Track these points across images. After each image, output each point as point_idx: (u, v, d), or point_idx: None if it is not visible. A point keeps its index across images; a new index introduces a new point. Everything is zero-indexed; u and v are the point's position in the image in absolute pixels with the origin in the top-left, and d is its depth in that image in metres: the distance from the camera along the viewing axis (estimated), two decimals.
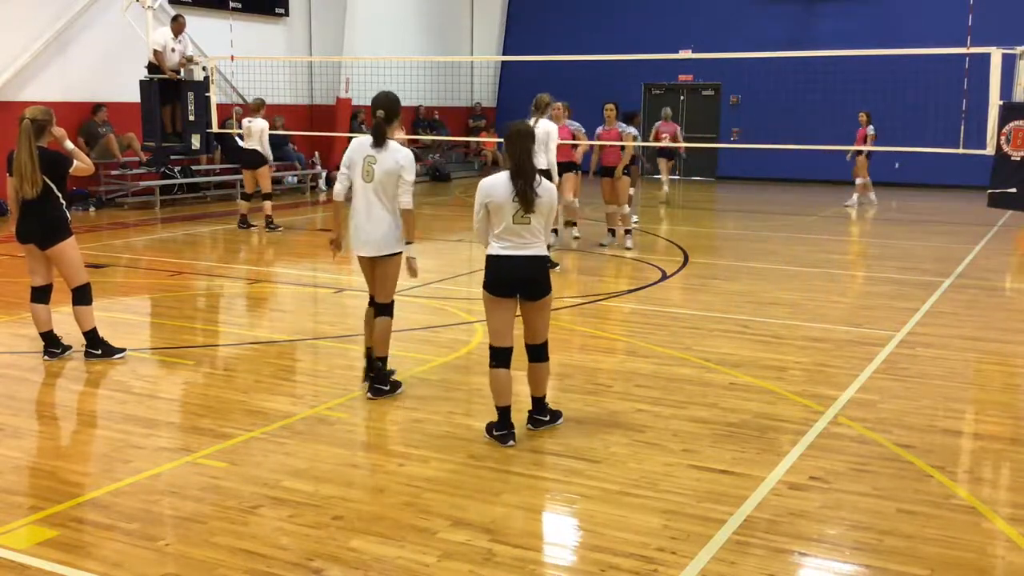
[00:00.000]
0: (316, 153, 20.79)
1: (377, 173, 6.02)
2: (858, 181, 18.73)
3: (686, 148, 19.90)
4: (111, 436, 5.65)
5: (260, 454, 5.28)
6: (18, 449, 5.34)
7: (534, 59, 19.48)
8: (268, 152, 14.34)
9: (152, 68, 15.14)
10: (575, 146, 12.77)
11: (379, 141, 6.03)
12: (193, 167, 18.08)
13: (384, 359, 6.33)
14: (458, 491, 4.79)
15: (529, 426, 5.65)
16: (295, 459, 5.24)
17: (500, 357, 5.45)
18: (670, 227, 15.09)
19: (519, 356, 5.60)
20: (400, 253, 6.18)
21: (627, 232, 12.88)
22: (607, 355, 7.59)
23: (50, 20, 15.72)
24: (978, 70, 12.26)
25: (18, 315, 8.53)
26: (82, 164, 7.06)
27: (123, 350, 7.25)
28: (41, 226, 6.88)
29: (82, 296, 7.08)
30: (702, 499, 4.71)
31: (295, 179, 20.29)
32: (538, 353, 5.57)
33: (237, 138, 15.04)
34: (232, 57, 16.83)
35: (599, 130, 12.68)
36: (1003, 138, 10.70)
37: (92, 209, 16.04)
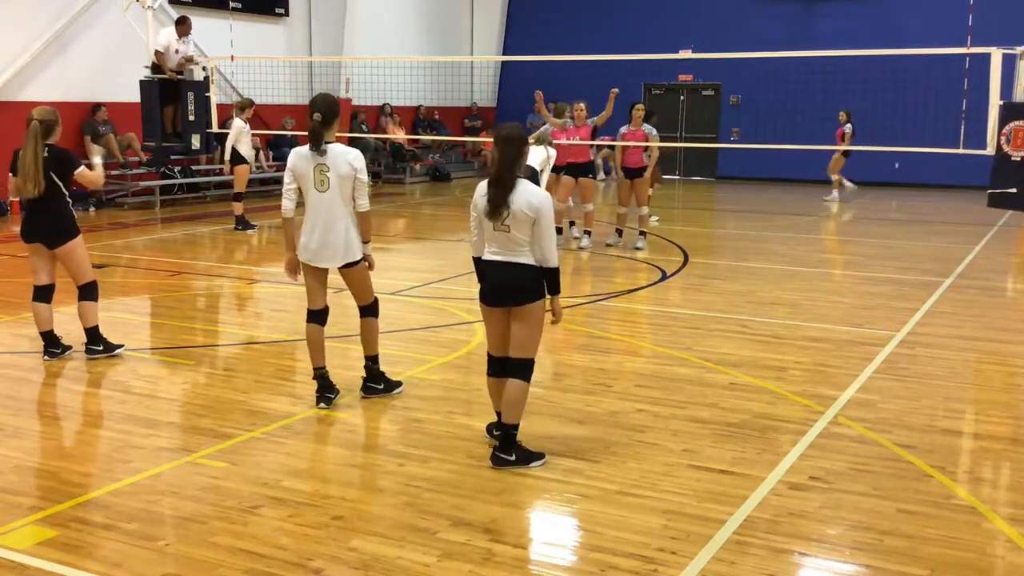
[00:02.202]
0: None
1: (333, 180, 5.82)
2: (833, 177, 18.96)
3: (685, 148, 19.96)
4: (111, 436, 5.65)
5: (260, 454, 5.28)
6: (18, 449, 5.34)
7: (534, 59, 19.49)
8: (246, 152, 14.38)
9: (154, 68, 15.14)
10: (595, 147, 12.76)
11: (317, 146, 5.79)
12: (193, 167, 18.08)
13: (375, 358, 6.30)
14: (458, 491, 4.79)
15: (490, 463, 5.13)
16: (295, 459, 5.24)
17: (493, 366, 5.34)
18: (670, 227, 15.09)
19: None
20: (364, 257, 6.06)
21: (642, 234, 12.86)
22: (607, 355, 7.59)
23: (50, 20, 15.71)
24: (978, 70, 12.26)
25: (18, 315, 8.53)
26: (90, 174, 7.15)
27: (121, 345, 7.32)
28: (51, 225, 6.92)
29: (88, 293, 7.13)
30: (702, 499, 4.71)
31: None
32: (513, 367, 5.12)
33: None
34: (232, 57, 16.83)
35: (623, 130, 12.58)
36: (1003, 138, 10.70)
37: (92, 209, 16.03)
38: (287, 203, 6.03)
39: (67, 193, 6.95)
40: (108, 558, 4.06)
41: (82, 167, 7.08)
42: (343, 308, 7.27)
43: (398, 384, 6.42)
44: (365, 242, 6.09)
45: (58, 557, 4.05)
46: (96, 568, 3.97)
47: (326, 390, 6.13)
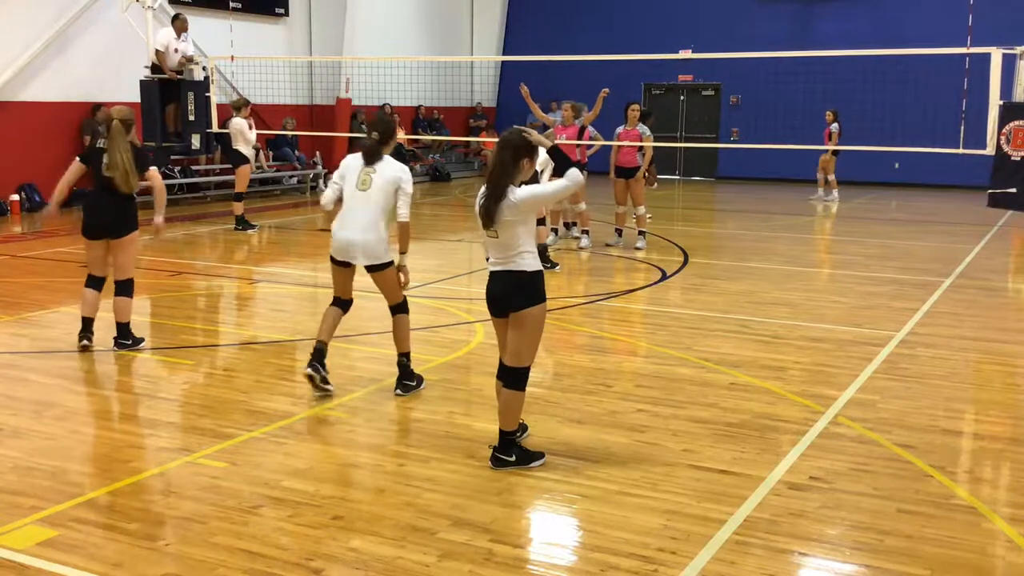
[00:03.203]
0: (317, 153, 20.79)
1: (376, 181, 6.04)
2: (829, 178, 19.03)
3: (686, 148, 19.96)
4: (111, 436, 5.65)
5: (260, 454, 5.28)
6: (18, 449, 5.34)
7: (534, 59, 19.49)
8: (247, 151, 14.46)
9: (154, 68, 15.14)
10: (588, 147, 12.76)
11: (371, 162, 6.09)
12: (193, 167, 18.09)
13: (407, 354, 6.36)
14: (458, 491, 4.79)
15: (490, 464, 5.12)
16: (295, 459, 5.24)
17: (499, 369, 5.29)
18: (670, 227, 15.09)
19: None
20: (392, 262, 6.17)
21: (641, 233, 12.86)
22: (607, 355, 7.59)
23: (50, 20, 15.71)
24: (978, 70, 12.26)
25: (18, 315, 8.54)
26: (157, 179, 7.43)
27: (143, 339, 7.53)
28: (121, 215, 7.20)
29: (126, 289, 7.38)
30: (702, 499, 4.71)
31: (295, 179, 20.29)
32: (508, 377, 5.08)
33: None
34: (232, 57, 16.83)
35: (619, 130, 12.61)
36: (1003, 138, 10.70)
37: None
38: (329, 193, 6.25)
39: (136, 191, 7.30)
40: (108, 558, 4.06)
41: (153, 168, 7.39)
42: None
43: (422, 379, 6.49)
44: (402, 252, 6.23)
45: (58, 557, 4.05)
46: (96, 568, 3.97)
47: (318, 359, 6.18)
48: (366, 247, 6.05)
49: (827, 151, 18.63)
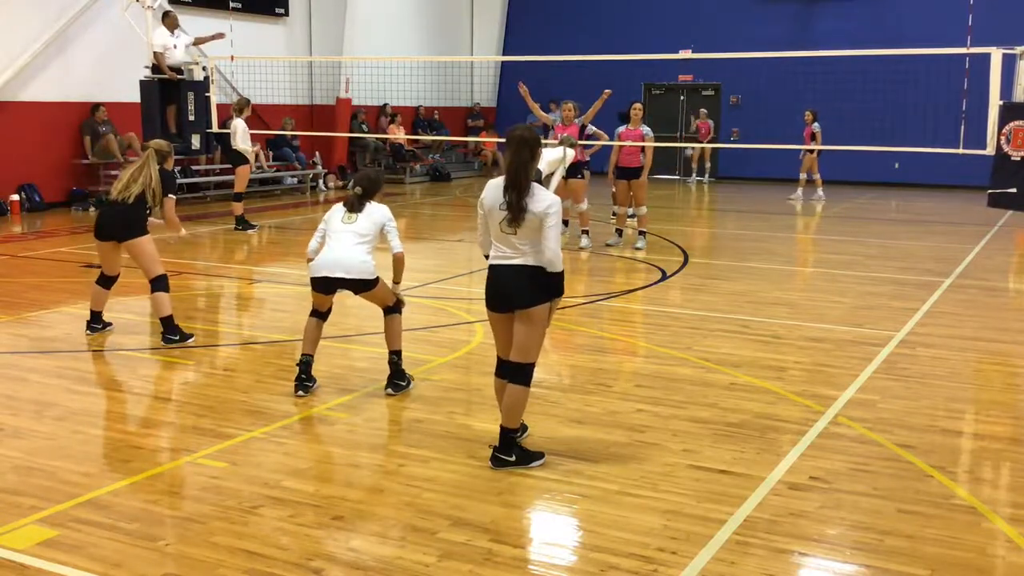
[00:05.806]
0: (317, 153, 20.79)
1: (361, 218, 6.19)
2: (803, 176, 19.15)
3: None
4: (111, 436, 5.65)
5: (260, 454, 5.28)
6: (18, 449, 5.34)
7: (534, 59, 19.49)
8: (246, 152, 14.47)
9: (154, 68, 15.14)
10: (589, 146, 12.77)
11: (355, 211, 6.23)
12: (193, 167, 18.09)
13: (398, 353, 6.39)
14: (458, 491, 4.79)
15: (490, 464, 5.11)
16: (295, 459, 5.24)
17: (501, 368, 5.27)
18: (670, 227, 15.09)
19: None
20: (378, 278, 6.22)
21: (642, 233, 12.85)
22: (607, 355, 7.59)
23: (50, 20, 15.71)
24: (978, 70, 12.26)
25: (18, 315, 8.54)
26: (168, 210, 7.93)
27: (192, 335, 7.70)
28: (125, 222, 7.52)
29: (157, 285, 7.62)
30: (702, 499, 4.71)
31: (295, 179, 20.29)
32: (512, 372, 5.08)
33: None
34: (232, 57, 16.81)
35: (621, 129, 12.58)
36: (1003, 138, 10.69)
37: (92, 209, 16.01)
38: (313, 244, 6.35)
39: (150, 206, 7.67)
40: (108, 558, 4.06)
41: (171, 197, 7.88)
42: (344, 308, 7.29)
43: (411, 379, 6.51)
44: (396, 282, 6.37)
45: (58, 557, 4.05)
46: (96, 568, 3.97)
47: (306, 379, 6.29)
48: (350, 264, 6.09)
49: (810, 151, 18.67)
